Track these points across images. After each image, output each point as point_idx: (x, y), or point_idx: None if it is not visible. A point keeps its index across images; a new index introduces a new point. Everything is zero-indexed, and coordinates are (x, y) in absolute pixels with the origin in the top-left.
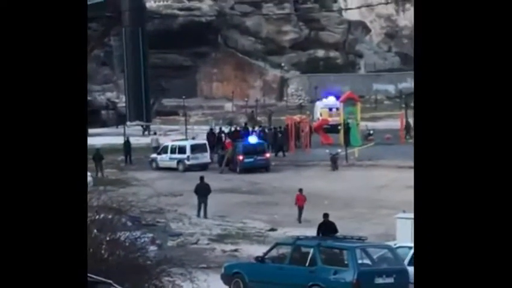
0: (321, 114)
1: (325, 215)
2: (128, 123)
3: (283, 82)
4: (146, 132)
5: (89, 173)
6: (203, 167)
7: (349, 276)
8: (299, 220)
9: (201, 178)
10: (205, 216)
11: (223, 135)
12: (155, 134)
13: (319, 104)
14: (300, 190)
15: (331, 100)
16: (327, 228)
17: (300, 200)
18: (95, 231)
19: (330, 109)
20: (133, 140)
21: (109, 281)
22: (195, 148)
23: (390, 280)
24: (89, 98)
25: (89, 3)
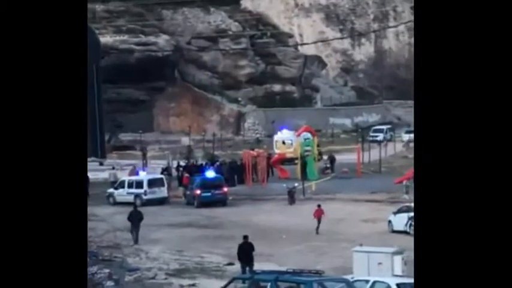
0: (277, 148)
1: (245, 237)
2: None
3: (240, 116)
4: (103, 167)
5: None
6: (161, 201)
7: None
8: (316, 232)
9: (135, 206)
10: (136, 242)
11: (180, 169)
12: (113, 168)
13: (276, 138)
14: (319, 205)
15: (285, 133)
16: (246, 248)
17: (318, 213)
18: None
19: (283, 142)
20: (90, 175)
21: None
22: (153, 182)
23: None
24: None
25: None
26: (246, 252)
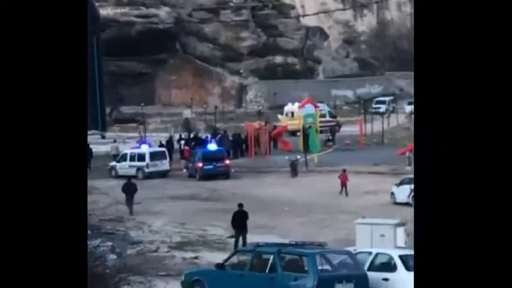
0: (280, 120)
1: (240, 205)
2: None
3: (242, 89)
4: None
5: None
6: (162, 174)
7: (309, 282)
8: (345, 193)
9: (128, 178)
10: (130, 214)
11: (182, 142)
12: (115, 141)
13: (286, 110)
14: (344, 170)
15: (290, 107)
16: (240, 216)
17: (343, 177)
18: None
19: (292, 114)
20: (93, 148)
21: None
22: (155, 155)
23: (350, 286)
24: None
25: None
26: (240, 220)
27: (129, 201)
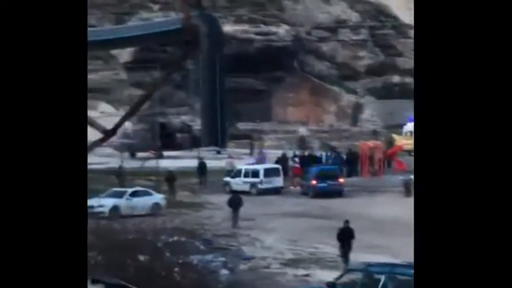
0: (394, 140)
1: (346, 222)
2: (203, 148)
3: (358, 107)
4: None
5: (161, 195)
6: (276, 191)
7: None
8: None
9: (234, 192)
10: (233, 227)
11: (296, 159)
12: (230, 157)
13: (405, 130)
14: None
15: (410, 126)
16: (346, 234)
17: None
18: (168, 254)
19: (406, 133)
20: (208, 163)
21: None
22: (269, 172)
23: None
24: (163, 120)
25: (167, 29)
26: (345, 237)
27: (235, 214)
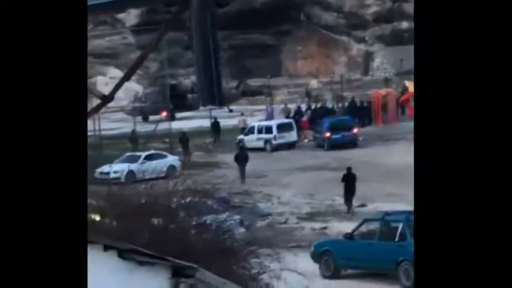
0: (408, 87)
1: (348, 168)
2: (201, 108)
3: (368, 56)
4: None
5: (176, 157)
6: (290, 145)
7: None
8: None
9: (241, 147)
10: (242, 182)
11: (308, 112)
12: (242, 114)
13: None
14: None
15: None
16: (349, 179)
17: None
18: (181, 214)
19: None
20: (220, 122)
21: (194, 265)
22: (282, 127)
23: None
24: (174, 82)
25: None
26: (348, 183)
27: (242, 169)
